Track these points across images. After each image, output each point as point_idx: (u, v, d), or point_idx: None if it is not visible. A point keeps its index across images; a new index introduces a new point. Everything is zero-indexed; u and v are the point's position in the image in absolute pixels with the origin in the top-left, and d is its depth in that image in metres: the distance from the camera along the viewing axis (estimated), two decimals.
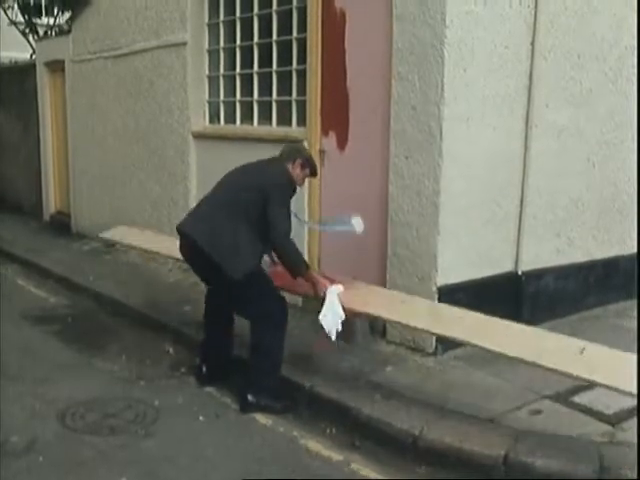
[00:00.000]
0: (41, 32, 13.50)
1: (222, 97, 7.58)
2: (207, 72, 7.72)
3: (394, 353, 5.30)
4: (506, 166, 5.49)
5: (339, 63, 5.92)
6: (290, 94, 6.62)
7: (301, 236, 6.34)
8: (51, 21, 13.64)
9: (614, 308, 6.35)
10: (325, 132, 6.16)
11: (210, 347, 5.08)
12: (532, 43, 5.42)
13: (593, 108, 6.00)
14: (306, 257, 6.29)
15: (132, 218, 8.86)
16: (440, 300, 5.18)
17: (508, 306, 5.65)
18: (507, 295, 5.65)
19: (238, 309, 4.71)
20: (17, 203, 12.38)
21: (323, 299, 4.47)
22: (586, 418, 4.21)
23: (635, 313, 6.03)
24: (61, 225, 10.68)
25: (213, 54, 7.65)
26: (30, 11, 13.77)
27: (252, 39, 7.02)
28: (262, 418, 4.53)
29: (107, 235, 6.90)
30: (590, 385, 4.64)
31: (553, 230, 5.92)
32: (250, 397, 4.58)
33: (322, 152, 6.18)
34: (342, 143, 6.03)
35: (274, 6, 6.68)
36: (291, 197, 4.59)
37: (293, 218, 4.66)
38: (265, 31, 6.85)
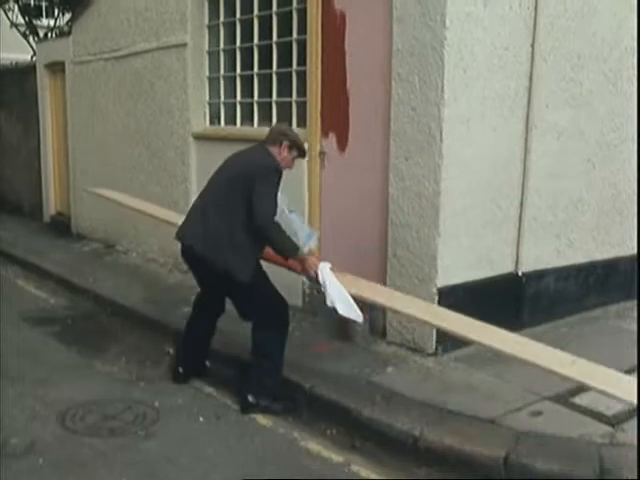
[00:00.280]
0: (41, 34, 13.52)
1: (222, 98, 7.58)
2: (207, 73, 7.72)
3: (394, 354, 5.30)
4: (506, 167, 5.49)
5: (339, 64, 5.92)
6: (290, 95, 6.62)
7: None
8: (51, 23, 13.68)
9: (614, 309, 6.35)
10: (325, 133, 6.16)
11: (190, 349, 5.10)
12: (532, 44, 5.42)
13: (593, 109, 6.00)
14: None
15: (132, 219, 8.86)
16: (440, 301, 5.18)
17: (508, 307, 5.66)
18: (507, 296, 5.65)
19: (240, 311, 4.70)
20: (17, 204, 12.38)
21: (317, 280, 4.43)
22: (586, 419, 4.20)
23: (635, 314, 6.03)
24: (61, 226, 10.68)
25: (213, 55, 7.65)
26: (30, 13, 13.82)
27: (252, 40, 7.03)
28: (262, 419, 4.54)
29: (98, 191, 6.85)
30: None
31: (553, 231, 5.92)
32: (250, 398, 4.59)
33: (322, 153, 6.18)
34: (342, 144, 6.03)
35: (274, 8, 6.69)
36: (277, 182, 4.45)
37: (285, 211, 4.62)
38: (265, 32, 6.86)
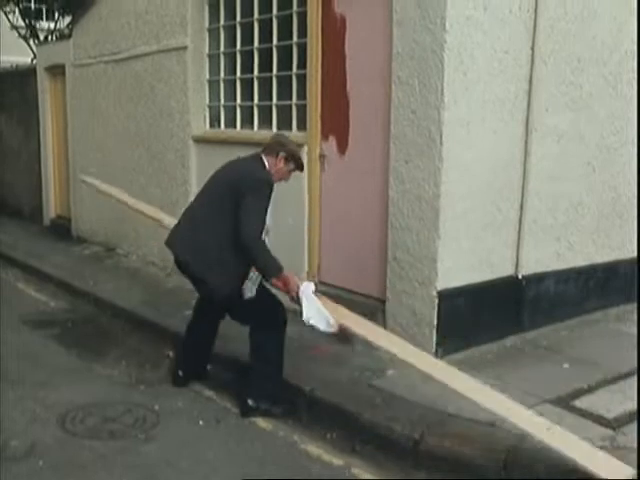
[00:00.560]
0: (42, 36, 13.54)
1: (222, 101, 7.59)
2: (207, 76, 7.73)
3: (394, 357, 5.28)
4: (506, 170, 5.49)
5: (339, 68, 5.93)
6: (290, 98, 6.63)
7: (301, 239, 6.35)
8: (52, 25, 13.70)
9: (614, 312, 6.35)
10: (325, 136, 6.17)
11: (191, 354, 5.10)
12: (532, 48, 5.42)
13: (593, 112, 6.00)
14: (306, 262, 6.32)
15: (132, 222, 8.87)
16: (440, 304, 5.18)
17: (508, 310, 5.67)
18: (507, 299, 5.65)
19: (236, 316, 4.70)
20: (18, 207, 12.38)
21: (299, 300, 4.38)
22: (587, 422, 4.20)
23: (635, 317, 6.03)
24: (61, 229, 10.68)
25: (213, 58, 7.66)
26: (31, 15, 13.84)
27: (252, 44, 7.03)
28: (262, 422, 4.54)
29: (89, 179, 6.86)
30: (590, 389, 4.68)
31: (553, 234, 5.92)
32: (250, 401, 4.59)
33: (322, 156, 6.19)
34: (342, 147, 6.03)
35: (274, 11, 6.69)
36: (268, 195, 4.38)
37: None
38: (265, 36, 6.86)
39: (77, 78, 9.92)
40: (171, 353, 5.71)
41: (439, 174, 5.08)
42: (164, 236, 4.91)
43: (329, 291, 5.63)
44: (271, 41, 6.78)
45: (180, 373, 5.10)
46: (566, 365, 5.15)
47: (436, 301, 5.18)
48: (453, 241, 5.21)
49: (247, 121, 7.24)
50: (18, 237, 10.55)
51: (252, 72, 7.08)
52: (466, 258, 5.32)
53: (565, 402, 4.47)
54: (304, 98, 6.31)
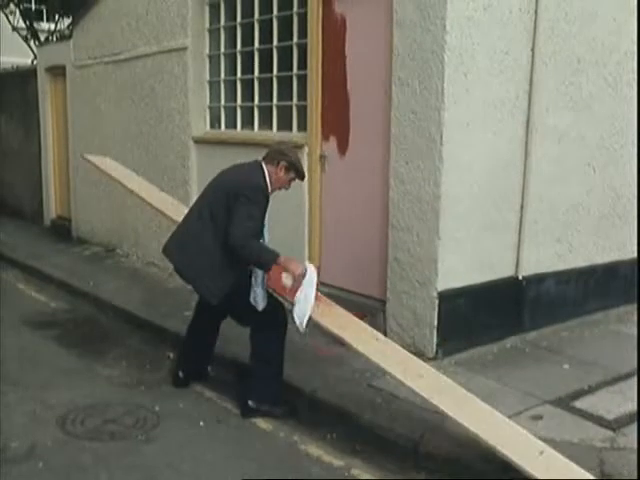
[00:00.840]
0: (42, 37, 13.54)
1: (223, 102, 7.59)
2: (208, 77, 7.73)
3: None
4: (506, 171, 5.49)
5: (339, 68, 5.93)
6: (291, 99, 6.63)
7: (302, 240, 6.35)
8: (52, 26, 13.70)
9: (615, 313, 6.35)
10: (326, 137, 6.17)
11: (192, 354, 5.11)
12: (532, 48, 5.42)
13: (593, 113, 6.00)
14: (306, 263, 6.30)
15: (133, 222, 8.88)
16: (440, 305, 5.18)
17: (509, 311, 5.67)
18: (508, 300, 5.65)
19: (236, 318, 4.71)
20: (18, 208, 12.38)
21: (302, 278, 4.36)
22: (587, 423, 4.20)
23: (636, 318, 6.03)
24: (62, 230, 10.69)
25: (214, 59, 7.66)
26: (31, 16, 13.84)
27: (253, 44, 7.04)
28: (263, 423, 4.53)
29: (92, 158, 6.64)
30: (591, 390, 4.68)
31: (554, 235, 5.92)
32: (251, 402, 4.59)
33: (323, 157, 6.19)
34: (343, 148, 6.03)
35: (275, 12, 6.70)
36: (262, 202, 4.36)
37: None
38: (266, 36, 6.87)
39: (77, 79, 9.92)
40: (172, 354, 5.71)
41: (439, 175, 5.08)
42: (164, 237, 4.92)
43: (330, 292, 5.62)
44: (271, 42, 6.78)
45: (181, 374, 5.10)
46: (566, 366, 5.15)
47: (436, 302, 5.19)
48: (453, 242, 5.21)
49: (247, 122, 7.25)
50: (18, 238, 10.56)
51: (252, 73, 7.09)
52: (466, 259, 5.32)
53: (565, 403, 4.47)
54: (304, 99, 6.32)
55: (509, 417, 4.22)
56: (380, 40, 5.49)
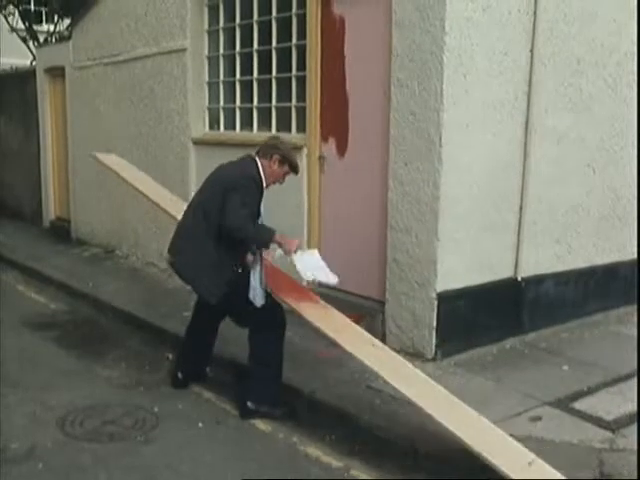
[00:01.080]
0: (41, 39, 13.54)
1: (222, 103, 7.60)
2: (207, 78, 7.73)
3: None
4: (506, 172, 5.49)
5: (338, 69, 5.93)
6: (290, 100, 6.63)
7: (301, 240, 6.34)
8: (51, 28, 13.70)
9: (615, 314, 6.35)
10: (325, 138, 6.17)
11: (191, 355, 5.10)
12: (531, 49, 5.43)
13: (593, 114, 6.01)
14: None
15: (132, 223, 8.88)
16: (440, 306, 5.18)
17: (508, 312, 5.67)
18: (507, 301, 5.65)
19: (235, 318, 4.70)
20: (17, 209, 12.38)
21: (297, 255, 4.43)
22: (586, 424, 4.20)
23: (635, 319, 6.03)
24: (61, 231, 10.69)
25: (213, 60, 7.67)
26: (30, 18, 13.83)
27: (252, 46, 7.04)
28: (262, 424, 4.53)
29: (100, 157, 6.58)
30: (590, 391, 4.68)
31: (553, 236, 5.92)
32: (250, 404, 4.58)
33: (322, 158, 6.19)
34: (342, 149, 6.04)
35: (274, 13, 6.70)
36: (254, 190, 4.39)
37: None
38: (265, 38, 6.87)
39: (76, 80, 9.92)
40: (171, 355, 5.71)
41: (438, 176, 5.08)
42: (164, 238, 4.93)
43: (328, 293, 5.62)
44: (270, 43, 6.79)
45: (180, 375, 5.10)
46: (566, 367, 5.15)
47: (435, 303, 5.19)
48: (452, 243, 5.21)
49: (246, 123, 7.25)
50: (18, 239, 10.55)
51: (251, 74, 7.09)
52: (466, 260, 5.32)
53: (565, 404, 4.47)
54: (303, 100, 6.32)
55: (508, 418, 4.25)
56: (379, 41, 5.50)
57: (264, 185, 4.51)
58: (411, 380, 4.02)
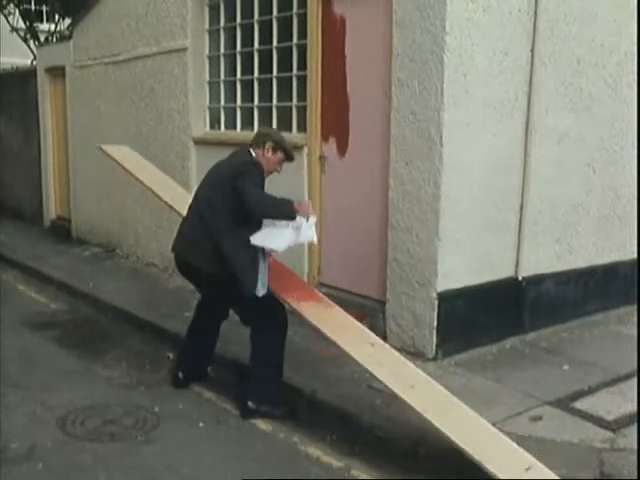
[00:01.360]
0: (42, 38, 13.54)
1: (222, 103, 7.60)
2: (207, 78, 7.73)
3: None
4: (506, 172, 5.49)
5: (339, 69, 5.93)
6: (290, 100, 6.63)
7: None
8: (52, 27, 13.70)
9: (615, 314, 6.35)
10: (325, 138, 6.17)
11: (192, 355, 5.10)
12: (532, 49, 5.43)
13: (593, 114, 6.01)
14: (306, 264, 6.32)
15: (133, 223, 8.88)
16: (440, 306, 5.18)
17: (508, 312, 5.67)
18: (507, 301, 5.65)
19: (239, 315, 4.70)
20: (18, 209, 12.38)
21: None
22: (587, 424, 4.20)
23: (636, 319, 6.03)
24: (61, 231, 10.69)
25: (214, 60, 7.67)
26: (31, 17, 13.83)
27: (252, 45, 7.04)
28: (262, 424, 4.53)
29: (108, 149, 6.39)
30: (590, 391, 4.68)
31: (553, 236, 5.92)
32: (250, 403, 4.58)
33: (322, 158, 6.19)
34: (342, 149, 6.04)
35: (274, 12, 6.70)
36: (257, 174, 4.40)
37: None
38: (265, 37, 6.87)
39: (77, 80, 9.92)
40: (171, 355, 5.71)
41: (439, 175, 5.08)
42: (164, 237, 4.92)
43: (329, 292, 5.63)
44: (271, 42, 6.79)
45: (180, 375, 5.10)
46: (566, 367, 5.15)
47: (436, 302, 5.19)
48: (453, 242, 5.21)
49: (247, 122, 7.25)
50: (18, 239, 10.55)
51: (252, 73, 7.09)
52: (466, 259, 5.32)
53: (565, 404, 4.48)
54: (304, 99, 6.32)
55: (509, 418, 4.26)
56: (380, 41, 5.50)
57: (264, 172, 4.53)
58: (410, 381, 4.02)
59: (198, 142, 7.72)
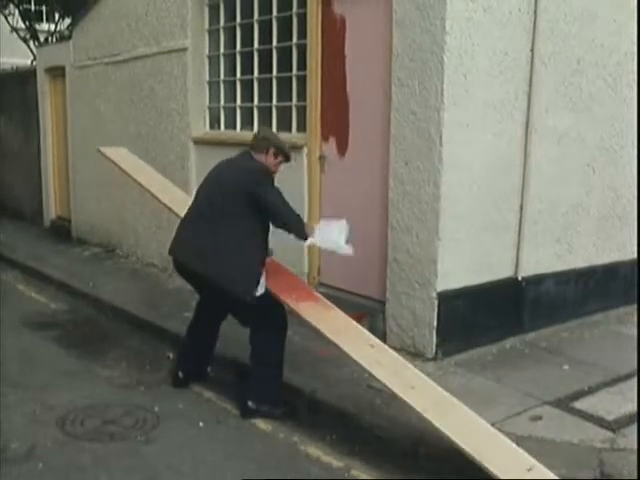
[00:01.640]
0: (42, 38, 13.55)
1: (222, 103, 7.60)
2: (207, 78, 7.73)
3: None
4: (506, 172, 5.49)
5: (339, 69, 5.93)
6: (290, 100, 6.63)
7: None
8: (52, 27, 13.71)
9: (615, 314, 6.35)
10: (325, 138, 6.17)
11: (191, 355, 5.10)
12: (532, 49, 5.43)
13: (593, 114, 6.01)
14: (306, 264, 6.33)
15: (132, 223, 8.88)
16: (440, 306, 5.18)
17: (508, 312, 5.67)
18: (507, 301, 5.65)
19: (238, 319, 4.70)
20: (18, 209, 12.38)
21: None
22: (587, 424, 4.20)
23: (636, 319, 6.03)
24: (61, 231, 10.69)
25: (213, 60, 7.67)
26: (31, 17, 13.85)
27: (252, 45, 7.04)
28: (262, 424, 4.53)
29: (106, 151, 6.37)
30: (591, 390, 4.68)
31: (553, 236, 5.92)
32: (250, 403, 4.58)
33: (322, 158, 6.19)
34: (342, 149, 6.03)
35: (274, 12, 6.70)
36: (273, 182, 4.54)
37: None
38: (265, 37, 6.87)
39: (77, 80, 9.93)
40: (171, 354, 5.71)
41: (439, 175, 5.08)
42: (164, 238, 4.91)
43: (329, 292, 5.63)
44: (271, 42, 6.79)
45: (180, 374, 5.10)
46: (566, 367, 5.15)
47: (436, 302, 5.19)
48: (453, 242, 5.21)
49: (247, 122, 7.25)
50: (18, 239, 10.55)
51: (252, 73, 7.09)
52: (466, 259, 5.32)
53: (565, 404, 4.48)
54: (304, 99, 6.32)
55: (509, 418, 4.25)
56: (379, 40, 5.50)
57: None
58: (410, 381, 4.02)
59: (198, 142, 7.72)
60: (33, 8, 14.59)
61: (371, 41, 5.61)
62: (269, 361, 4.56)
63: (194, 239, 4.54)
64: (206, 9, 7.62)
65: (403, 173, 5.32)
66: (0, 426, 4.44)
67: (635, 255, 6.50)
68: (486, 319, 5.49)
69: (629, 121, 6.25)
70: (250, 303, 4.42)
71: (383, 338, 5.52)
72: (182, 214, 4.91)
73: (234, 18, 7.25)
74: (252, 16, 6.98)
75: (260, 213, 4.41)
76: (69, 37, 10.42)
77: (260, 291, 4.47)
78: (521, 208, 5.62)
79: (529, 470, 3.40)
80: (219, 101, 7.63)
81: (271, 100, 6.88)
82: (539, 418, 4.29)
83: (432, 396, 3.92)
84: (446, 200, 5.12)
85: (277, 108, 6.83)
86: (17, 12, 13.53)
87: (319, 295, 4.81)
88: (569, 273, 6.09)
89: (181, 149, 7.92)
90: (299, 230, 4.54)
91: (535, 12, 5.39)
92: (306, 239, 4.57)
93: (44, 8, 14.55)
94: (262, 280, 4.50)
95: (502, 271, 5.61)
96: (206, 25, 7.65)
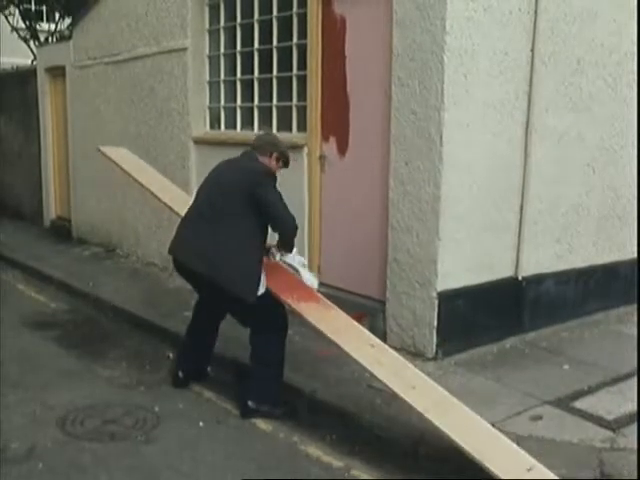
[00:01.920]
0: (42, 38, 13.55)
1: (222, 103, 7.60)
2: (207, 78, 7.73)
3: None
4: (506, 171, 5.49)
5: (339, 68, 5.93)
6: (290, 100, 6.63)
7: (302, 240, 6.35)
8: (52, 27, 13.71)
9: (615, 313, 6.35)
10: (325, 138, 6.17)
11: (191, 354, 5.10)
12: (532, 49, 5.43)
13: (593, 114, 6.01)
14: (306, 264, 6.31)
15: (132, 223, 8.88)
16: (440, 305, 5.18)
17: (508, 311, 5.67)
18: (507, 300, 5.65)
19: (238, 319, 4.70)
20: (18, 209, 12.39)
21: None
22: (587, 424, 4.20)
23: (636, 318, 6.03)
24: (62, 230, 10.69)
25: (213, 60, 7.67)
26: (31, 17, 13.84)
27: (252, 45, 7.04)
28: (262, 424, 4.53)
29: (107, 151, 6.35)
30: (591, 390, 4.68)
31: (553, 235, 5.92)
32: (250, 403, 4.58)
33: (322, 157, 6.19)
34: (342, 149, 6.03)
35: (274, 12, 6.70)
36: (275, 184, 4.57)
37: None
38: (265, 37, 6.87)
39: (77, 79, 9.93)
40: (171, 354, 5.71)
41: (439, 175, 5.08)
42: (164, 237, 4.91)
43: (329, 292, 5.62)
44: (271, 42, 6.79)
45: (180, 374, 5.10)
46: (566, 366, 5.15)
47: (436, 302, 5.19)
48: (453, 242, 5.21)
49: (247, 122, 7.25)
50: (18, 238, 10.55)
51: (252, 73, 7.09)
52: (466, 259, 5.32)
53: (565, 403, 4.48)
54: (304, 99, 6.32)
55: (509, 417, 4.25)
56: (380, 40, 5.50)
57: None
58: (411, 381, 4.02)
59: (198, 142, 7.72)
60: (33, 8, 14.58)
61: (371, 41, 5.61)
62: (269, 361, 4.56)
63: (194, 239, 4.53)
64: (206, 9, 7.62)
65: (403, 173, 5.32)
66: (0, 426, 4.44)
67: (635, 255, 6.50)
68: (486, 319, 5.49)
69: (629, 121, 6.25)
70: (250, 303, 4.42)
71: (383, 338, 5.52)
72: (182, 213, 4.91)
73: (234, 18, 7.25)
74: (252, 16, 6.98)
75: (260, 214, 4.41)
76: (69, 37, 10.43)
77: (261, 291, 4.47)
78: (521, 208, 5.62)
79: (529, 470, 3.40)
80: (219, 101, 7.63)
81: (271, 100, 6.88)
82: (539, 418, 4.29)
83: (432, 396, 3.92)
84: (446, 200, 5.12)
85: (277, 108, 6.83)
86: (17, 12, 13.52)
87: (320, 295, 4.81)
88: (569, 273, 6.09)
89: (181, 149, 7.92)
90: (291, 237, 4.60)
91: (535, 12, 5.39)
92: (292, 250, 4.70)
93: (44, 8, 14.53)
94: (263, 280, 4.50)
95: (502, 271, 5.61)
96: (206, 25, 7.65)
